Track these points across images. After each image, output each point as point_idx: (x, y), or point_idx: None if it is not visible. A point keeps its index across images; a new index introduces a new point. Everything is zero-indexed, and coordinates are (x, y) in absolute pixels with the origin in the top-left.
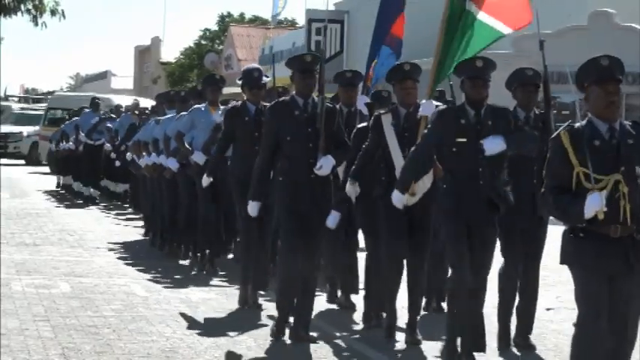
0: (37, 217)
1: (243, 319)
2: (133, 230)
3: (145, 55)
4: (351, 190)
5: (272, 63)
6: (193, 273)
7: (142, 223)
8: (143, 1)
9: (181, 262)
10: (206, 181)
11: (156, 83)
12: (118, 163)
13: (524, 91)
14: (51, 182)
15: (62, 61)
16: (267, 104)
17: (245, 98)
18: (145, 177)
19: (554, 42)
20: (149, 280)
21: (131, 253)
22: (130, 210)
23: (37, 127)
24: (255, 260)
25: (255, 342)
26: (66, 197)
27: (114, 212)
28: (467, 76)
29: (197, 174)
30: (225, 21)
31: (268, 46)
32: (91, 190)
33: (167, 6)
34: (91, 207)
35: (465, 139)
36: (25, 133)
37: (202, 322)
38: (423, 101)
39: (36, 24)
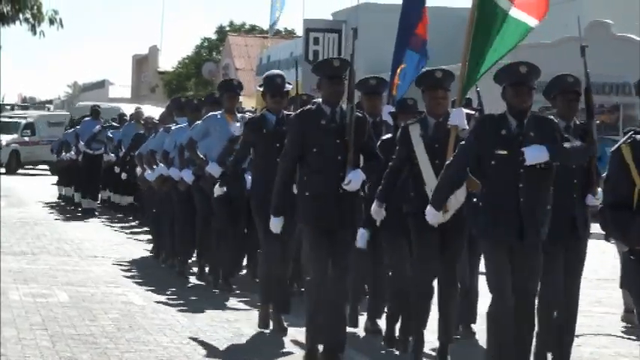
0: (35, 226)
1: (242, 329)
2: (131, 239)
3: (142, 64)
4: (378, 212)
5: (295, 68)
6: (192, 283)
7: (141, 232)
8: (141, 11)
9: (194, 280)
10: (218, 190)
11: (154, 92)
12: (124, 176)
13: (565, 100)
14: (49, 191)
15: (60, 70)
16: (289, 113)
17: (260, 108)
18: (152, 190)
19: (551, 52)
20: (147, 289)
21: (129, 263)
22: (130, 220)
23: (15, 136)
24: (277, 281)
25: (253, 351)
26: (65, 208)
27: (112, 222)
28: (509, 83)
29: (212, 187)
30: (223, 31)
31: (266, 56)
32: (90, 201)
33: (165, 15)
34: (90, 220)
35: (505, 152)
36: (3, 142)
37: (200, 331)
38: (453, 110)
39: (34, 33)
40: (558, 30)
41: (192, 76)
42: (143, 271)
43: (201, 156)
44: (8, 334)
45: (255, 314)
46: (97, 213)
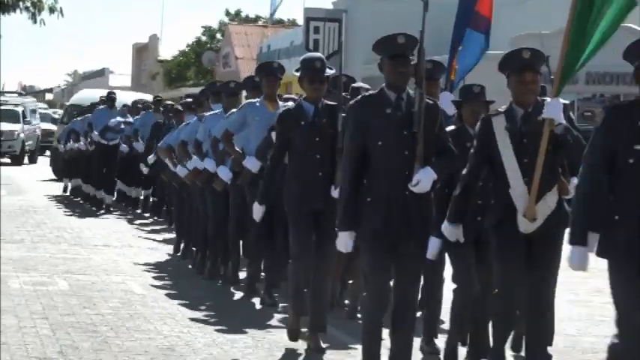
0: (35, 215)
1: (242, 316)
2: (132, 228)
3: (143, 52)
4: (452, 233)
5: (339, 49)
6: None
7: (143, 222)
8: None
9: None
10: (258, 211)
11: (154, 80)
12: (144, 169)
13: None
14: (49, 178)
15: (60, 59)
16: (331, 102)
17: (297, 95)
18: (182, 185)
19: (553, 42)
20: (147, 277)
21: (129, 251)
22: (129, 210)
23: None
24: (312, 297)
25: (252, 340)
26: (67, 197)
27: (113, 211)
28: None
29: (249, 184)
30: (228, 18)
31: (266, 45)
32: (104, 194)
33: (165, 4)
34: (104, 214)
35: None
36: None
37: (200, 319)
38: (548, 100)
39: (34, 21)
40: (558, 20)
41: (193, 64)
42: (143, 260)
43: (238, 149)
44: (8, 323)
45: (256, 302)
46: (111, 209)
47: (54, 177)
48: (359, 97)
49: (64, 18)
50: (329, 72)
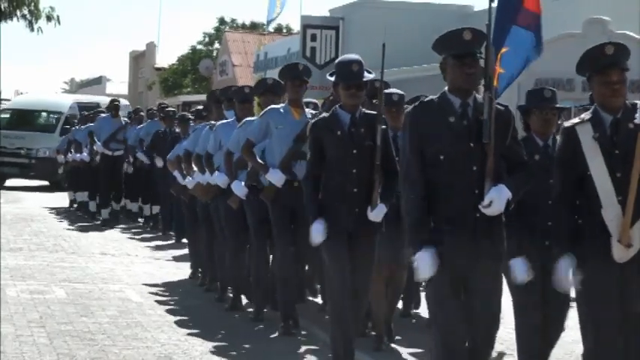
0: (32, 223)
1: (239, 325)
2: (129, 236)
3: (139, 60)
4: (566, 277)
5: (383, 50)
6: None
7: (139, 230)
8: (138, 7)
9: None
10: (318, 232)
11: (151, 89)
12: (129, 169)
13: None
14: (47, 192)
15: (57, 66)
16: (369, 111)
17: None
18: (193, 199)
19: (548, 49)
20: (144, 285)
21: (126, 259)
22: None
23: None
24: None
25: (250, 348)
26: (64, 205)
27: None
28: None
29: (273, 200)
30: (223, 25)
31: (263, 52)
32: (111, 208)
33: (162, 11)
34: (109, 229)
35: None
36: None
37: (197, 328)
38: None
39: (32, 29)
40: (557, 27)
41: (189, 72)
42: (140, 268)
43: (260, 161)
44: (5, 331)
45: (250, 310)
46: (116, 223)
47: (47, 184)
48: (418, 102)
49: (60, 26)
50: (368, 76)
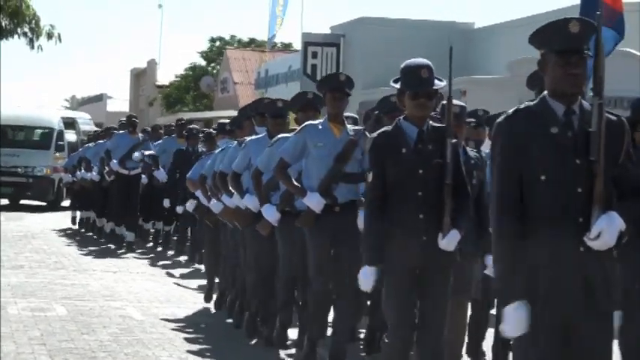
0: (33, 240)
1: (240, 342)
2: (130, 254)
3: (140, 77)
4: None
5: (450, 59)
6: (193, 300)
7: (140, 248)
8: (139, 24)
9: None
10: (369, 277)
11: (152, 105)
12: (167, 203)
13: None
14: (49, 210)
15: (58, 84)
16: (438, 125)
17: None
18: (218, 223)
19: None
20: (145, 303)
21: (127, 277)
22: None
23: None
24: None
25: None
26: (65, 222)
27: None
28: None
29: (312, 227)
30: (217, 44)
31: (264, 70)
32: (125, 232)
33: (163, 29)
34: (89, 233)
35: None
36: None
37: (198, 345)
38: None
39: (32, 47)
40: None
41: (190, 89)
42: (141, 285)
43: (296, 183)
44: (7, 349)
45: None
46: (133, 247)
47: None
48: (512, 110)
49: (61, 44)
50: (438, 84)
